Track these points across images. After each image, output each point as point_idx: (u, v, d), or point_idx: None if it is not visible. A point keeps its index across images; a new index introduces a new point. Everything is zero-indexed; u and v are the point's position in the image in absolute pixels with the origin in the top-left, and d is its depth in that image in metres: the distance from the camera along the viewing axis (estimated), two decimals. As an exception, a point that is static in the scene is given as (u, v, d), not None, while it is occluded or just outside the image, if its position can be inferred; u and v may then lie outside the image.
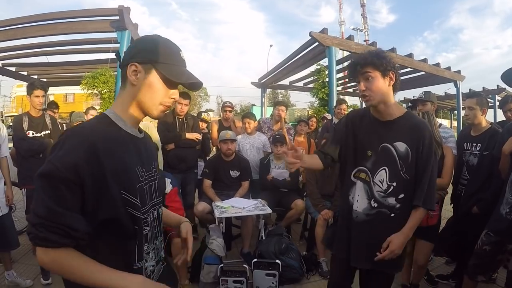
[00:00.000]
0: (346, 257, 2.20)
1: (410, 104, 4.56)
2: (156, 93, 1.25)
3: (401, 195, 2.04)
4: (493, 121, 5.38)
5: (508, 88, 11.87)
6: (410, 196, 2.04)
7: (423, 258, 3.26)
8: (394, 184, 2.04)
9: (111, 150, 1.14)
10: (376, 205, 2.08)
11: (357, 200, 2.13)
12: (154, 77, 1.23)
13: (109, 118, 1.23)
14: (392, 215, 2.06)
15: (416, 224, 2.05)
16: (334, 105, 7.88)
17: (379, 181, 2.07)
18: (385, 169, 2.06)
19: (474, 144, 3.38)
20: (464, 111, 3.66)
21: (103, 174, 1.08)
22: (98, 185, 1.07)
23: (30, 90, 3.82)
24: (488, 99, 12.37)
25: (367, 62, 1.97)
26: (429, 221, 3.08)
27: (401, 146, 2.03)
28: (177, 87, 1.32)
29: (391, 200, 2.05)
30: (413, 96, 5.27)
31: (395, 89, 2.08)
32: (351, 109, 6.97)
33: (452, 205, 3.77)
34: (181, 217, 1.66)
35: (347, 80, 13.94)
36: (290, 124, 7.17)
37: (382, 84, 1.99)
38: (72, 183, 1.02)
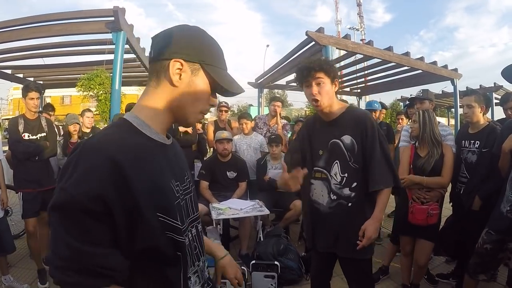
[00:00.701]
0: (313, 247, 2.48)
1: (408, 102, 4.55)
2: (200, 99, 1.07)
3: (354, 184, 2.24)
4: (491, 118, 5.38)
5: (505, 85, 11.90)
6: (361, 183, 2.23)
7: (424, 257, 3.24)
8: (346, 175, 2.25)
9: (139, 166, 0.92)
10: (335, 197, 2.28)
11: (322, 195, 2.35)
12: (201, 80, 1.04)
13: (132, 125, 1.01)
14: (350, 204, 2.25)
15: (384, 206, 2.23)
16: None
17: (334, 174, 2.29)
18: (337, 163, 2.27)
19: (472, 141, 3.36)
20: (462, 109, 3.64)
21: (133, 197, 0.88)
22: (130, 210, 0.87)
23: (25, 92, 3.80)
24: (486, 97, 12.39)
25: (322, 68, 2.16)
26: (428, 219, 3.07)
27: (347, 138, 2.24)
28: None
29: (346, 191, 2.25)
30: (410, 95, 5.27)
31: (336, 94, 2.33)
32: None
33: (450, 203, 3.75)
34: (219, 248, 1.47)
35: (344, 79, 13.92)
36: (287, 122, 7.13)
37: (330, 89, 2.21)
38: (96, 213, 0.83)
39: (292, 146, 2.67)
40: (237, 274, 1.44)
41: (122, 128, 1.00)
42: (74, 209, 0.82)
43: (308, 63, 2.23)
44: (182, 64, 1.00)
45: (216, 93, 1.13)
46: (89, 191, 0.82)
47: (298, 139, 2.61)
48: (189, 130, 4.91)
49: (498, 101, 5.73)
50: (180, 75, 1.00)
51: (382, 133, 2.28)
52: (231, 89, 1.07)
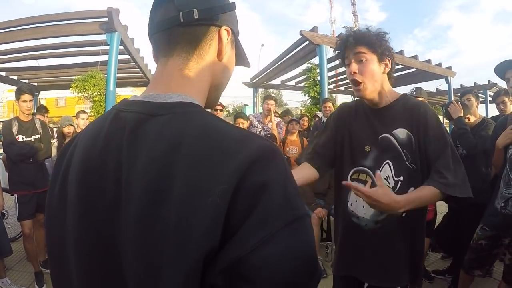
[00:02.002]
0: (352, 274, 1.86)
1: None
2: (230, 75, 0.88)
3: (411, 189, 1.67)
4: (485, 115, 5.41)
5: (499, 83, 11.97)
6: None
7: None
8: (401, 178, 1.69)
9: None
10: None
11: (363, 206, 1.74)
12: (233, 54, 0.86)
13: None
14: (404, 214, 1.65)
15: (419, 202, 1.58)
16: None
17: (385, 178, 1.70)
18: (388, 163, 1.72)
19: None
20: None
21: None
22: None
23: (17, 95, 3.79)
24: (480, 94, 12.46)
25: (364, 40, 1.63)
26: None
27: (401, 132, 1.69)
28: None
29: None
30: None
31: (390, 78, 1.78)
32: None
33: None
34: None
35: (338, 78, 13.96)
36: (281, 119, 7.14)
37: (377, 69, 1.66)
38: None
39: (318, 139, 2.03)
40: None
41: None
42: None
43: (349, 32, 1.70)
44: (228, 34, 0.80)
45: None
46: None
47: (328, 130, 1.97)
48: None
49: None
50: (226, 47, 0.80)
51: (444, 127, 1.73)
52: (247, 63, 0.96)
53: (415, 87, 4.05)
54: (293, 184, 0.61)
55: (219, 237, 0.53)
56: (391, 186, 1.69)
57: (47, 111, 6.14)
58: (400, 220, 1.68)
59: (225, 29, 0.78)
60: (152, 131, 0.64)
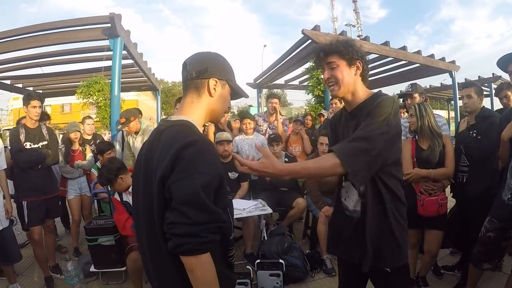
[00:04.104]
0: (338, 255, 2.16)
1: (398, 98, 4.55)
2: (226, 104, 1.56)
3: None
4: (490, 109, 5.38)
5: (503, 76, 11.89)
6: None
7: (437, 247, 3.30)
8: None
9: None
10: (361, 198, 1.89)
11: (352, 200, 1.94)
12: (227, 91, 1.52)
13: (195, 126, 1.43)
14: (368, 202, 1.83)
15: (298, 171, 1.70)
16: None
17: None
18: None
19: (471, 131, 3.37)
20: (462, 100, 3.64)
21: (221, 173, 1.42)
22: (221, 181, 1.38)
23: (26, 100, 3.82)
24: (484, 87, 12.41)
25: (332, 50, 1.83)
26: (439, 210, 3.09)
27: None
28: None
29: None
30: (400, 90, 5.26)
31: (364, 80, 1.92)
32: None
33: (452, 193, 3.74)
34: None
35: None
36: (286, 117, 7.15)
37: (347, 73, 1.84)
38: (215, 186, 1.31)
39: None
40: None
41: (195, 128, 1.43)
42: (212, 186, 1.28)
43: (321, 45, 1.93)
44: (216, 82, 1.46)
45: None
46: (218, 171, 1.32)
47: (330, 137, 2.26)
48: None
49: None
50: (215, 89, 1.46)
51: (391, 121, 1.69)
52: (243, 95, 1.61)
53: (410, 84, 4.05)
54: (202, 158, 1.27)
55: (169, 172, 1.24)
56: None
57: (48, 118, 6.17)
58: (369, 204, 1.81)
59: (212, 79, 1.45)
60: (164, 134, 1.38)
